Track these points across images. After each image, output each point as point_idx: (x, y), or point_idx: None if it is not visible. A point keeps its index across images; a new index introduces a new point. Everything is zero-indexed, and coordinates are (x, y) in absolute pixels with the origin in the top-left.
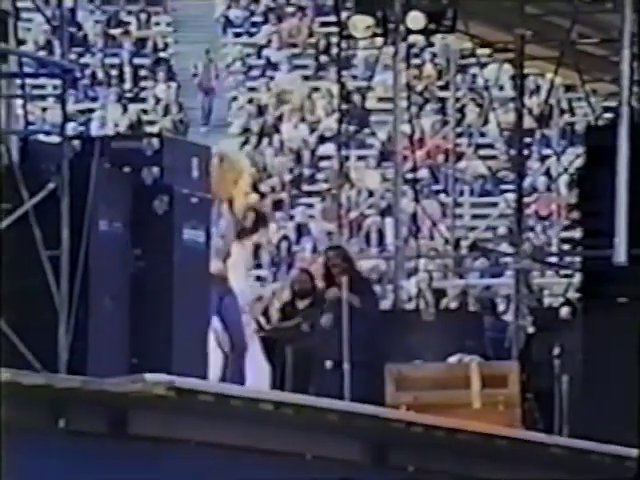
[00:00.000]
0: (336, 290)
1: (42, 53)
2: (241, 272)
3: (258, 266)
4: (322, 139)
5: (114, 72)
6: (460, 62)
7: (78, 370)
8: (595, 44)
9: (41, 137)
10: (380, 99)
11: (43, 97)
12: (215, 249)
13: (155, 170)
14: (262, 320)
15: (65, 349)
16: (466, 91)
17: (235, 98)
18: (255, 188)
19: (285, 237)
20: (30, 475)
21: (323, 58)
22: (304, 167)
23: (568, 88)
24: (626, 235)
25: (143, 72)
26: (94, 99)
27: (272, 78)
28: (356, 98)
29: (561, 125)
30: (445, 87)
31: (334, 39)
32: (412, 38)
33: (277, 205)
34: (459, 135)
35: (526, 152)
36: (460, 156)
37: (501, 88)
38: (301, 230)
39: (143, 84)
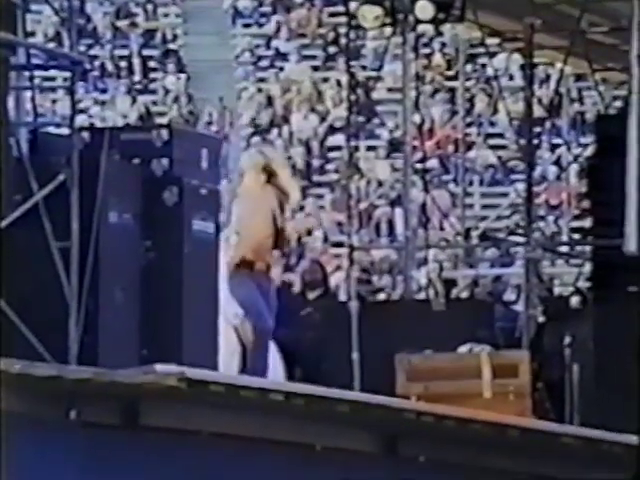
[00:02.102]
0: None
1: (51, 45)
2: None
3: None
4: (331, 129)
5: (123, 64)
6: (469, 52)
7: (89, 362)
8: (605, 33)
9: (50, 129)
10: (389, 89)
11: (53, 89)
12: (235, 238)
13: (165, 161)
14: None
15: (75, 341)
16: (475, 81)
17: (245, 89)
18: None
19: None
20: (42, 467)
21: (332, 48)
22: (313, 158)
23: (578, 77)
24: (636, 224)
25: (152, 63)
26: (104, 91)
27: (281, 69)
28: (365, 88)
29: (571, 114)
30: (454, 77)
31: (343, 29)
32: (421, 28)
33: None
34: (469, 125)
35: (536, 141)
36: (470, 146)
37: (511, 77)
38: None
39: (152, 75)
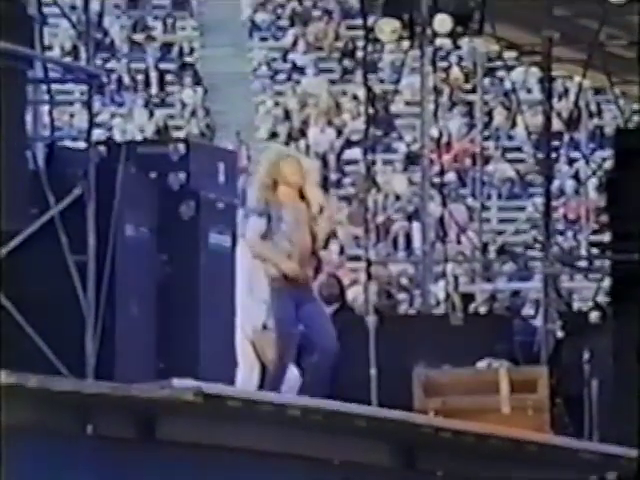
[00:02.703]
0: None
1: (68, 58)
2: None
3: None
4: (348, 143)
5: (140, 77)
6: (487, 65)
7: (105, 375)
8: (624, 46)
9: (67, 143)
10: (407, 103)
11: (70, 103)
12: (283, 250)
13: (181, 175)
14: None
15: (92, 355)
16: (493, 94)
17: (262, 102)
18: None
19: None
20: None
21: (349, 62)
22: (330, 171)
23: (597, 91)
24: None
25: (169, 77)
26: (121, 104)
27: (298, 82)
28: (382, 102)
29: (590, 128)
30: (472, 90)
31: (360, 42)
32: (439, 41)
33: None
34: (487, 138)
35: (554, 155)
36: (488, 159)
37: (529, 91)
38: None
39: (169, 89)
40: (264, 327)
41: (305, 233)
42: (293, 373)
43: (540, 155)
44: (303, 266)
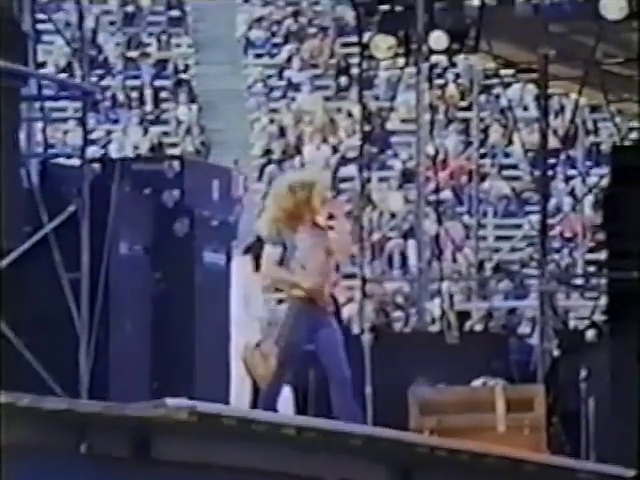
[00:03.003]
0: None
1: (62, 76)
2: (259, 297)
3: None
4: (344, 160)
5: (135, 94)
6: (483, 82)
7: (99, 394)
8: (620, 63)
9: (61, 160)
10: (402, 120)
11: (64, 120)
12: (301, 270)
13: (176, 193)
14: None
15: (86, 373)
16: (490, 111)
17: (257, 119)
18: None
19: None
20: None
21: (344, 79)
22: None
23: (593, 108)
24: None
25: (164, 94)
26: (115, 122)
27: (293, 99)
28: (378, 119)
29: (586, 145)
30: (468, 107)
31: (356, 59)
32: (435, 58)
33: None
34: (483, 156)
35: (551, 173)
36: (484, 177)
37: (525, 108)
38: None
39: (164, 106)
40: (257, 345)
41: (320, 257)
42: (286, 393)
43: (536, 172)
44: (320, 288)
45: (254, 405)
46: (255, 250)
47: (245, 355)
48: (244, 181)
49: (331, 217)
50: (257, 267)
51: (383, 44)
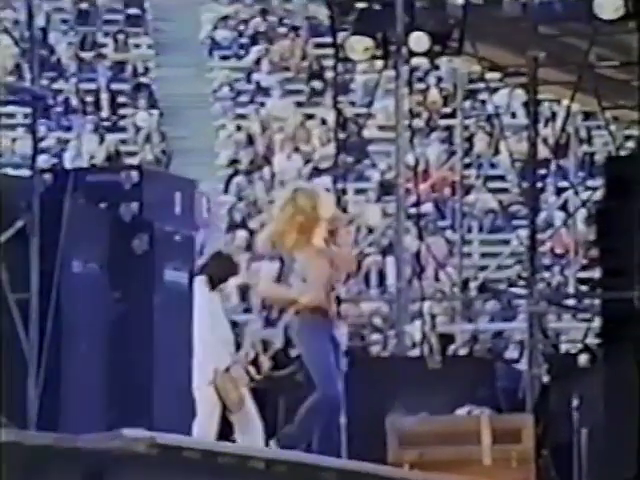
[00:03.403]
0: None
1: (10, 79)
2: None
3: (247, 310)
4: (317, 171)
5: (90, 99)
6: (468, 87)
7: (49, 425)
8: (615, 67)
9: (9, 170)
10: (381, 127)
11: (12, 127)
12: (302, 284)
13: (134, 206)
14: (252, 370)
15: (35, 402)
16: (475, 118)
17: (223, 126)
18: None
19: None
20: None
21: (318, 83)
22: None
23: (587, 115)
24: None
25: (122, 99)
26: (68, 129)
27: (262, 104)
28: (354, 126)
29: (579, 155)
30: (452, 114)
31: (330, 62)
32: (415, 61)
33: None
34: (467, 166)
35: (540, 184)
36: (468, 189)
37: (513, 115)
38: None
39: (122, 112)
40: (226, 370)
41: (323, 270)
42: (256, 422)
43: (525, 184)
44: (322, 302)
45: (221, 436)
46: (211, 269)
47: (215, 381)
48: (208, 203)
49: (332, 232)
50: (213, 286)
51: (359, 45)
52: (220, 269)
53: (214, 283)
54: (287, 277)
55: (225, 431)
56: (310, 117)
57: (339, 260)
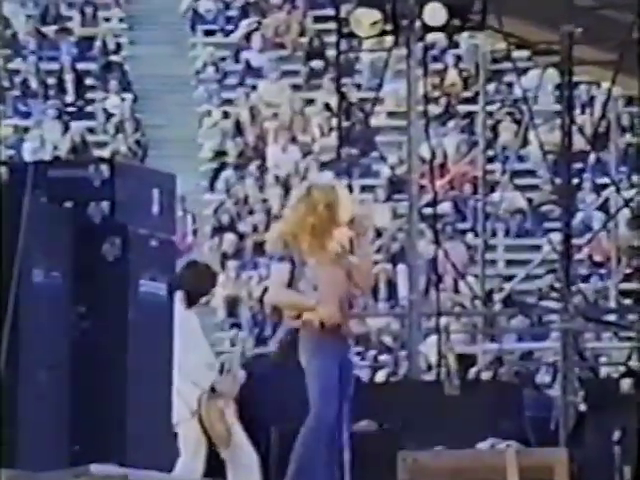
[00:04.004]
0: None
1: None
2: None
3: (236, 325)
4: (317, 165)
5: (52, 81)
6: (492, 67)
7: (4, 461)
8: None
9: None
10: (390, 114)
11: None
12: (312, 292)
13: (104, 205)
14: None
15: None
16: (500, 104)
17: (207, 113)
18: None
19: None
20: None
21: (318, 62)
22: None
23: (629, 100)
24: None
25: (89, 80)
26: (27, 115)
27: (254, 87)
28: (360, 113)
29: (621, 147)
30: (473, 99)
31: (332, 38)
32: (431, 37)
33: (260, 248)
34: (491, 159)
35: (576, 181)
36: (492, 186)
37: (544, 100)
38: None
39: (89, 96)
40: (211, 398)
41: (338, 280)
42: (250, 457)
43: (558, 181)
44: (338, 315)
45: (209, 473)
46: (186, 281)
47: (200, 409)
48: (192, 222)
49: (351, 239)
50: (190, 303)
51: (366, 19)
52: (196, 281)
53: (191, 299)
54: (296, 282)
55: (217, 469)
56: (309, 102)
57: (357, 273)
